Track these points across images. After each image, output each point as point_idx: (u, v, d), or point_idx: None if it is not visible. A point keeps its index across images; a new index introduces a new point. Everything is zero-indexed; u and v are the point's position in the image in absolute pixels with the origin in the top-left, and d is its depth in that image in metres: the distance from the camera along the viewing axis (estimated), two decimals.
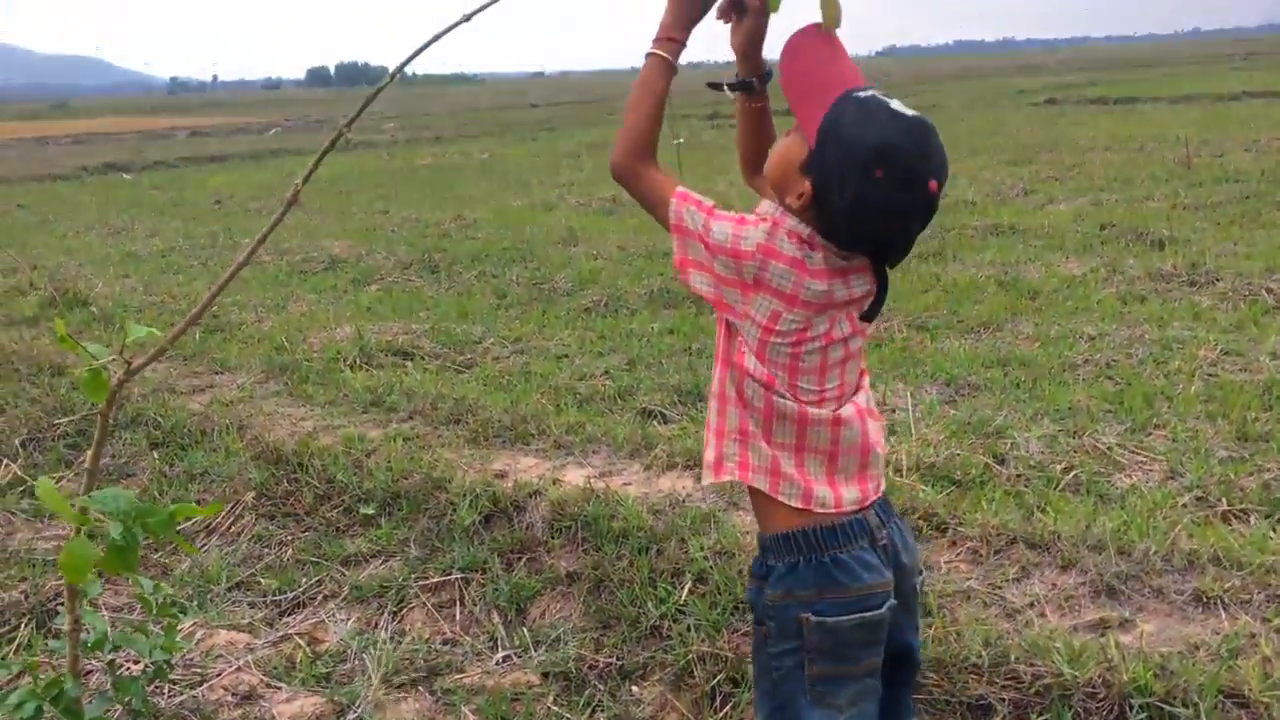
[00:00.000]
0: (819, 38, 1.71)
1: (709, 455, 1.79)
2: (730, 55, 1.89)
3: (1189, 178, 10.60)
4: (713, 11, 1.81)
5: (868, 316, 1.74)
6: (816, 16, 1.72)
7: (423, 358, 5.73)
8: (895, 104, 1.61)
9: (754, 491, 1.79)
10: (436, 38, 1.50)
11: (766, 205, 1.72)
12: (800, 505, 1.72)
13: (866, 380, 1.82)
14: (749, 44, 1.84)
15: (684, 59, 1.81)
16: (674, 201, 1.70)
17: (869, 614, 1.71)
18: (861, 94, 1.63)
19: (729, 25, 1.85)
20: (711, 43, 1.87)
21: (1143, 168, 11.66)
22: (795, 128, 1.70)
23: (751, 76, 1.88)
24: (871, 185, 1.57)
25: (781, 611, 1.73)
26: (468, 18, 1.51)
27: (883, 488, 1.83)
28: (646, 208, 1.77)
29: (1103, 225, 8.24)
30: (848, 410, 1.74)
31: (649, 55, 1.77)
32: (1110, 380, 4.63)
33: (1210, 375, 4.58)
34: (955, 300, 6.27)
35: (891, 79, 49.37)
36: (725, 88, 1.90)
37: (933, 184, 1.59)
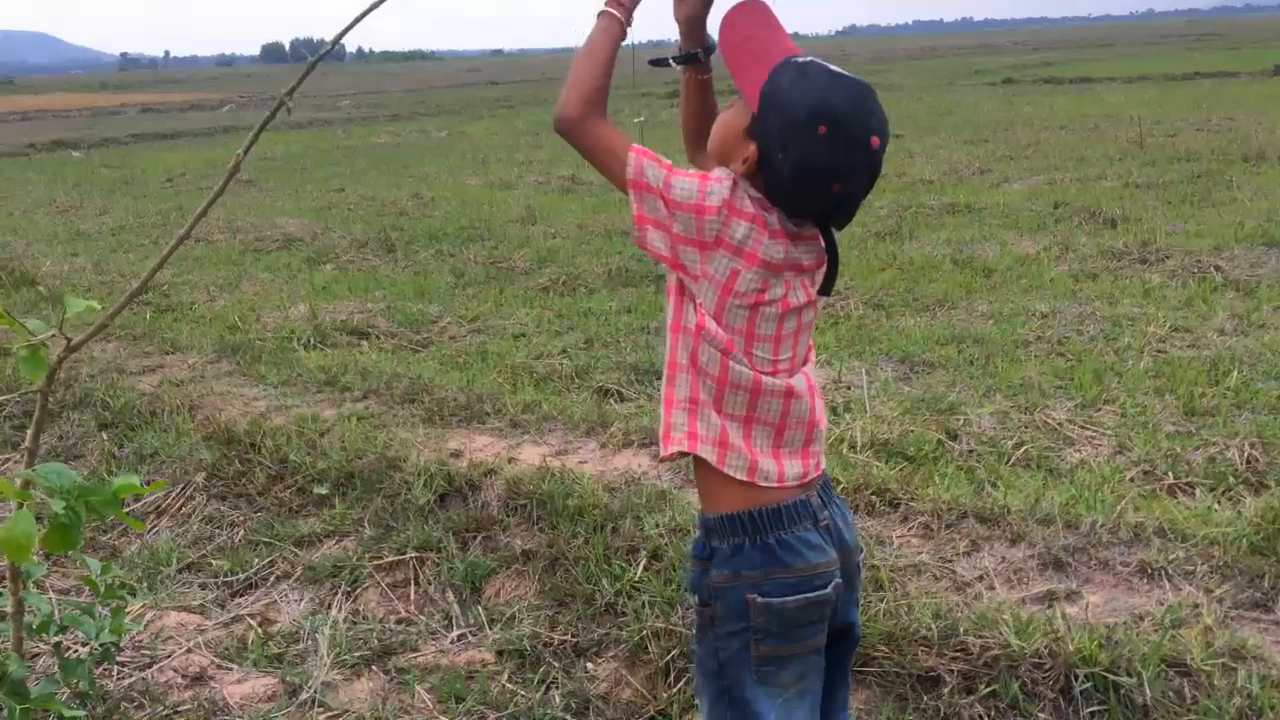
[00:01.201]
0: (756, 10, 1.71)
1: (660, 427, 1.77)
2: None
3: (1141, 157, 10.74)
4: None
5: (824, 290, 1.74)
6: None
7: (378, 337, 5.69)
8: (834, 67, 1.63)
9: (700, 469, 1.76)
10: (374, 6, 1.47)
11: (721, 170, 1.69)
12: (745, 478, 1.71)
13: (813, 354, 1.83)
14: (694, 16, 1.82)
15: (648, 37, 1.79)
16: (632, 156, 1.64)
17: (815, 594, 1.71)
18: (800, 59, 1.64)
19: None
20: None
21: (1096, 147, 11.80)
22: (736, 98, 1.70)
23: (696, 49, 1.86)
24: (815, 143, 1.58)
25: (728, 593, 1.71)
26: None
27: (823, 465, 1.82)
28: (596, 161, 1.69)
29: (1056, 204, 8.33)
30: (799, 382, 1.74)
31: (601, 14, 1.72)
32: (1062, 357, 4.69)
33: (1159, 352, 4.65)
34: (911, 278, 6.31)
35: (851, 59, 49.47)
36: (670, 61, 1.87)
37: (875, 140, 1.60)
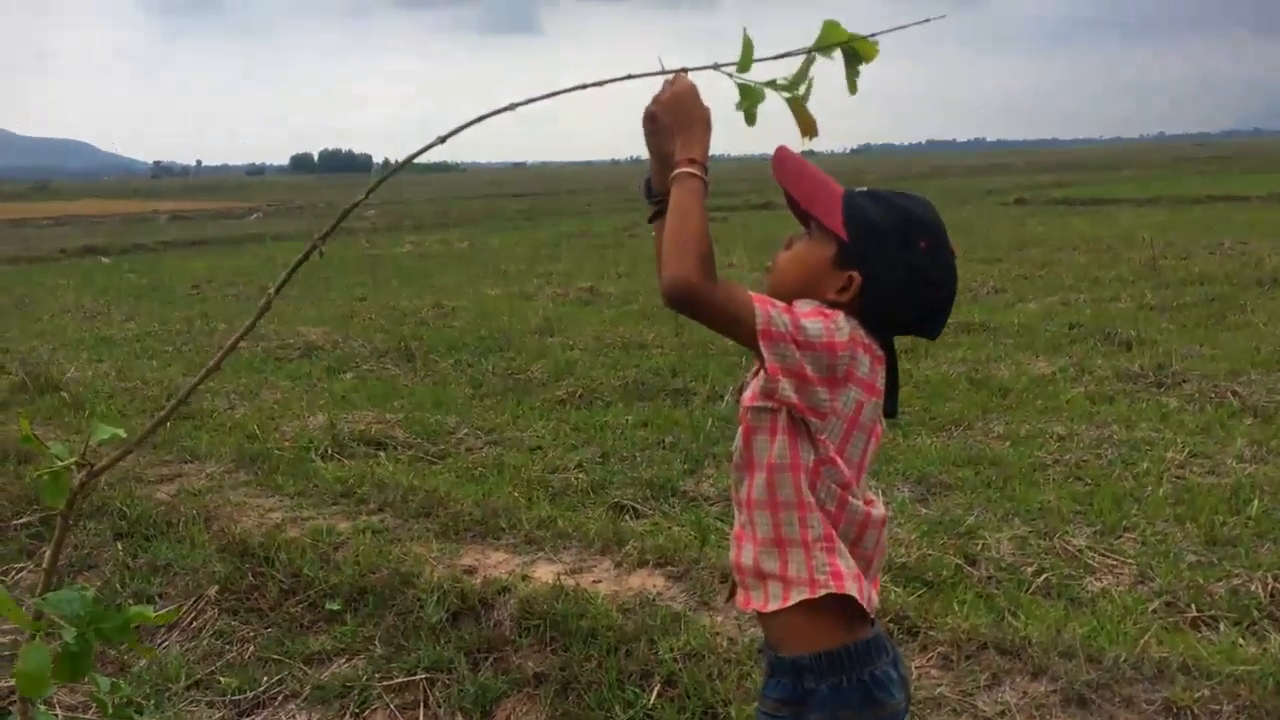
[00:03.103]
0: (787, 151, 1.74)
1: (796, 571, 1.67)
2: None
3: (1155, 279, 10.81)
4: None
5: (892, 411, 1.76)
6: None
7: (395, 448, 5.70)
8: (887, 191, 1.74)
9: (801, 606, 1.67)
10: (410, 159, 1.53)
11: (804, 303, 1.67)
12: (867, 609, 1.69)
13: None
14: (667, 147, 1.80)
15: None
16: (758, 307, 1.58)
17: None
18: (858, 190, 1.73)
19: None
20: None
21: (1110, 268, 11.90)
22: (800, 235, 1.74)
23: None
24: (921, 258, 1.68)
25: None
26: (442, 139, 1.54)
27: None
28: (721, 320, 1.61)
29: (1071, 325, 8.38)
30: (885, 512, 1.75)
31: (689, 176, 1.66)
32: (1080, 481, 4.66)
33: (1178, 478, 4.62)
34: (927, 397, 6.32)
35: (865, 176, 50.42)
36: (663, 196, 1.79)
37: (954, 246, 1.72)
